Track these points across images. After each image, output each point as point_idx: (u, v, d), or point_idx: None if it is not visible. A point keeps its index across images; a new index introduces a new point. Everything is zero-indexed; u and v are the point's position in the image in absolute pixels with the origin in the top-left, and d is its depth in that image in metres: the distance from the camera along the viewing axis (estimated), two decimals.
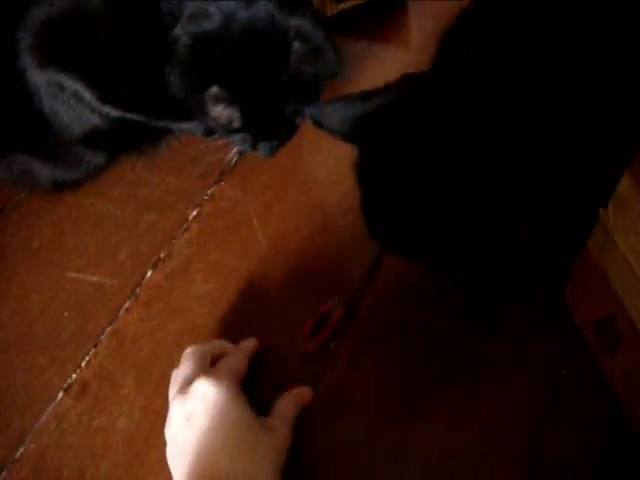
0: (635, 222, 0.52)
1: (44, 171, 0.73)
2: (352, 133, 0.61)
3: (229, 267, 0.76)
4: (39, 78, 0.66)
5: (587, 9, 0.56)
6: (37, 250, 0.80)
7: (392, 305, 0.71)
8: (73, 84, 0.66)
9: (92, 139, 0.71)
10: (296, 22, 0.69)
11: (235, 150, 0.80)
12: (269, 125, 0.73)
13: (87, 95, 0.66)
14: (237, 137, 0.75)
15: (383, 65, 0.91)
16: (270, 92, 0.70)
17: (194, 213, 0.81)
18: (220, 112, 0.71)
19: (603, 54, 0.54)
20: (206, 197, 0.82)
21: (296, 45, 0.68)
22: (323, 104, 0.66)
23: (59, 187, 0.77)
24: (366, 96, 0.61)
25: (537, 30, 0.56)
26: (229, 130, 0.73)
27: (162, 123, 0.75)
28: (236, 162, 0.84)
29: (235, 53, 0.68)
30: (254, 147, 0.76)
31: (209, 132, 0.75)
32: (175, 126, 0.77)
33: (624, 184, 0.51)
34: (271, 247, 0.76)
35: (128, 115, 0.71)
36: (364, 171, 0.61)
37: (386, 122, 0.59)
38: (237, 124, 0.71)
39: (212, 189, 0.82)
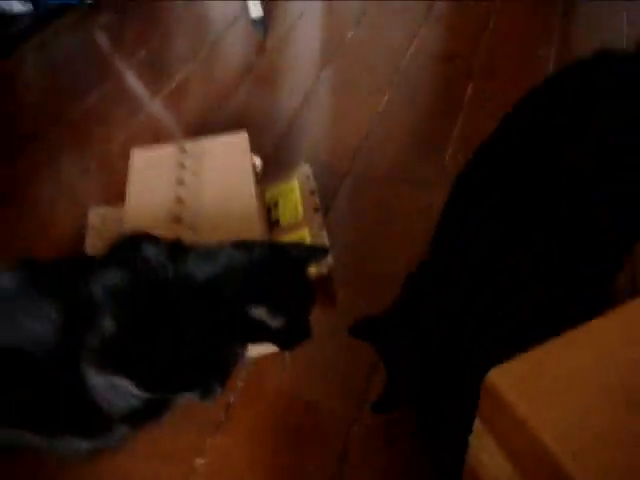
0: None
1: (83, 444, 0.84)
2: None
3: None
4: (97, 379, 0.78)
5: None
6: None
7: None
8: (123, 383, 0.77)
9: (128, 416, 0.82)
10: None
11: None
12: None
13: (135, 390, 0.78)
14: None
15: None
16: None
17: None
18: None
19: None
20: None
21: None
22: None
23: (93, 455, 0.87)
24: None
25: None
26: None
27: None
28: None
29: None
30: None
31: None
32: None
33: None
34: None
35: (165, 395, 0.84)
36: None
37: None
38: None
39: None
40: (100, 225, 1.21)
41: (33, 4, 2.07)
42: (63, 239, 1.25)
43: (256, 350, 0.97)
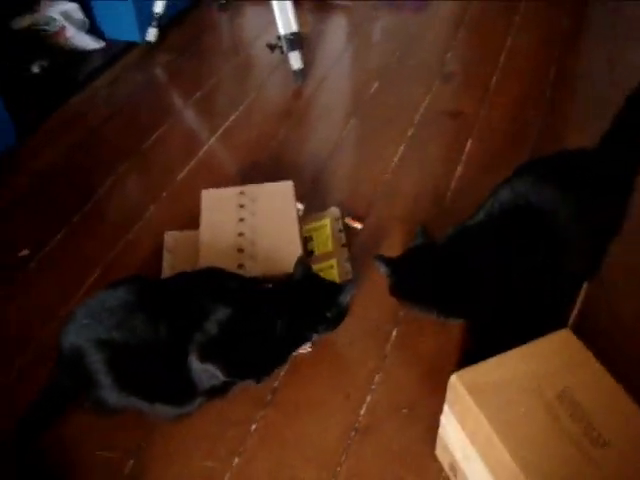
0: None
1: (171, 412, 1.24)
2: None
3: None
4: (197, 365, 1.19)
5: None
6: None
7: None
8: (214, 370, 1.18)
9: (208, 391, 1.23)
10: None
11: None
12: None
13: (221, 376, 1.19)
14: None
15: None
16: None
17: None
18: None
19: None
20: None
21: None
22: None
23: (178, 417, 1.26)
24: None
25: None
26: None
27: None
28: None
29: None
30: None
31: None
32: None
33: None
34: None
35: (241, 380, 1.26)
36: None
37: None
38: None
39: None
40: (174, 247, 1.59)
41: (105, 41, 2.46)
42: (144, 258, 1.62)
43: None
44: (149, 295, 1.24)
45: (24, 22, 2.27)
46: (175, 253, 1.57)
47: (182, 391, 1.22)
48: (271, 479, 1.19)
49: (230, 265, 1.38)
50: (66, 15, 2.33)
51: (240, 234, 1.49)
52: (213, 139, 2.05)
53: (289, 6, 2.12)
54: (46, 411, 1.25)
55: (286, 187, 1.60)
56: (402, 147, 1.96)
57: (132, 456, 1.22)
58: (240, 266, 1.41)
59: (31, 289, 1.57)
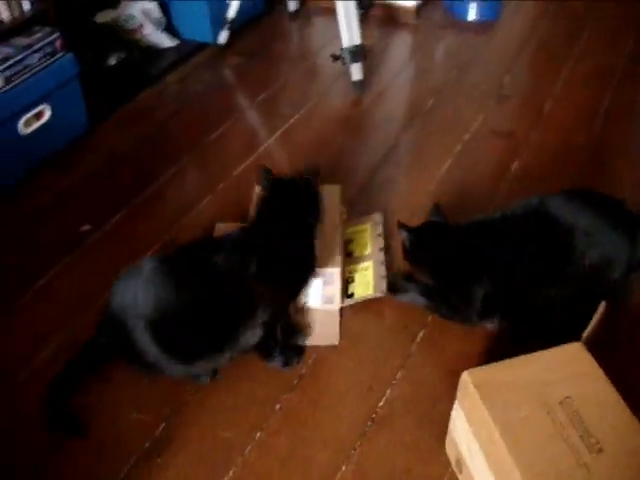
0: None
1: (206, 366, 1.38)
2: None
3: None
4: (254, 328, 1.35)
5: None
6: None
7: None
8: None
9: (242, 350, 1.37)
10: None
11: None
12: None
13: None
14: None
15: None
16: None
17: None
18: None
19: None
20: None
21: None
22: None
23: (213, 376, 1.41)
24: None
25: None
26: None
27: None
28: None
29: None
30: None
31: None
32: None
33: None
34: None
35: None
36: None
37: None
38: None
39: None
40: None
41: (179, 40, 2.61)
42: None
43: (319, 341, 1.48)
44: (191, 263, 1.34)
45: (107, 17, 2.44)
46: None
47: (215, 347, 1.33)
48: (288, 455, 1.29)
49: None
50: (145, 13, 2.49)
51: None
52: (272, 139, 2.17)
53: (354, 20, 2.23)
54: (79, 368, 1.36)
55: (334, 191, 1.70)
56: (449, 161, 2.04)
57: (164, 420, 1.34)
58: None
59: (87, 263, 1.71)
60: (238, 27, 2.66)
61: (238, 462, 1.28)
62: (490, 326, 1.48)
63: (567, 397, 1.09)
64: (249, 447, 1.30)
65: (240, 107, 2.38)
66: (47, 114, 2.01)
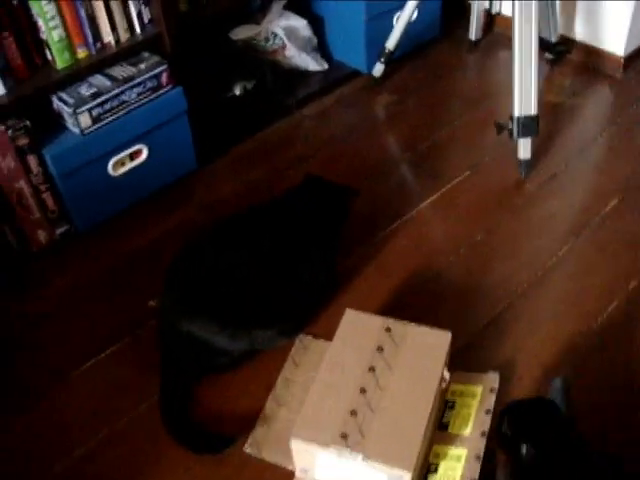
0: None
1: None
2: None
3: None
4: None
5: None
6: None
7: None
8: None
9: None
10: None
11: None
12: None
13: None
14: None
15: None
16: None
17: None
18: None
19: None
20: None
21: None
22: None
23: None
24: None
25: None
26: None
27: None
28: None
29: None
30: None
31: None
32: None
33: None
34: None
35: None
36: None
37: None
38: None
39: None
40: (303, 352, 1.52)
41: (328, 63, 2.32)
42: None
43: None
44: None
45: (245, 33, 2.19)
46: (301, 357, 1.52)
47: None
48: None
49: (333, 429, 1.21)
50: (289, 31, 2.21)
51: (362, 390, 1.28)
52: (427, 202, 1.90)
53: (533, 84, 1.81)
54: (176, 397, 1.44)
55: (440, 339, 1.34)
56: (622, 296, 1.59)
57: None
58: (343, 436, 1.21)
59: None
60: (399, 56, 2.32)
61: None
62: None
63: None
64: None
65: (386, 159, 2.05)
66: (144, 154, 1.81)
